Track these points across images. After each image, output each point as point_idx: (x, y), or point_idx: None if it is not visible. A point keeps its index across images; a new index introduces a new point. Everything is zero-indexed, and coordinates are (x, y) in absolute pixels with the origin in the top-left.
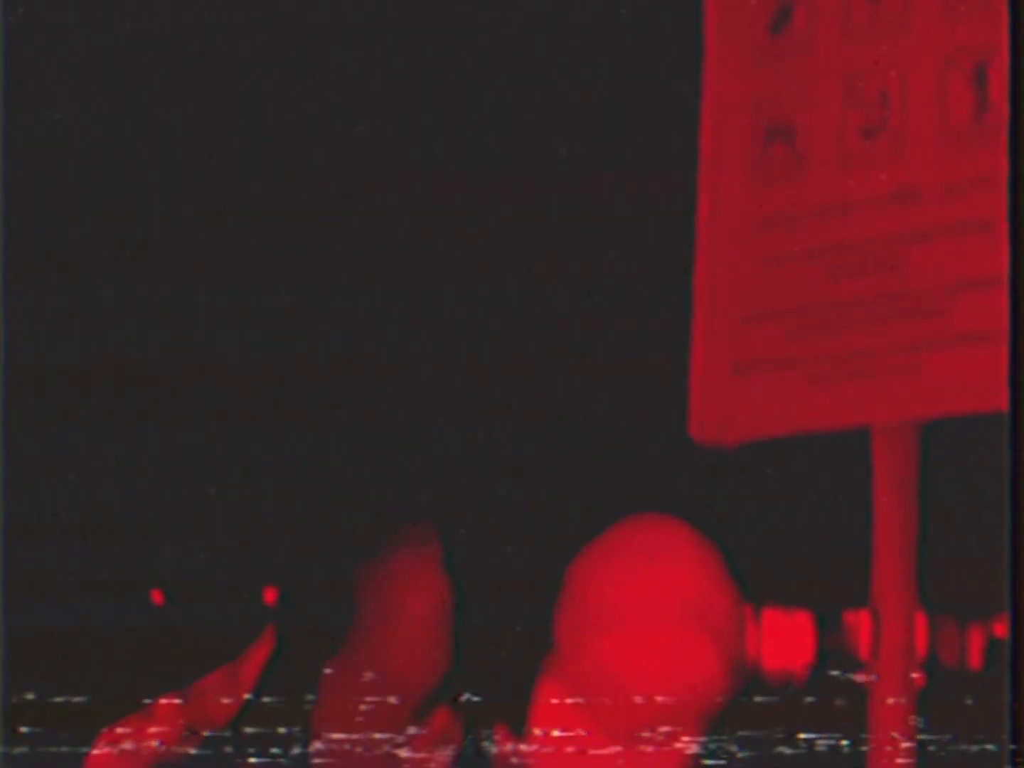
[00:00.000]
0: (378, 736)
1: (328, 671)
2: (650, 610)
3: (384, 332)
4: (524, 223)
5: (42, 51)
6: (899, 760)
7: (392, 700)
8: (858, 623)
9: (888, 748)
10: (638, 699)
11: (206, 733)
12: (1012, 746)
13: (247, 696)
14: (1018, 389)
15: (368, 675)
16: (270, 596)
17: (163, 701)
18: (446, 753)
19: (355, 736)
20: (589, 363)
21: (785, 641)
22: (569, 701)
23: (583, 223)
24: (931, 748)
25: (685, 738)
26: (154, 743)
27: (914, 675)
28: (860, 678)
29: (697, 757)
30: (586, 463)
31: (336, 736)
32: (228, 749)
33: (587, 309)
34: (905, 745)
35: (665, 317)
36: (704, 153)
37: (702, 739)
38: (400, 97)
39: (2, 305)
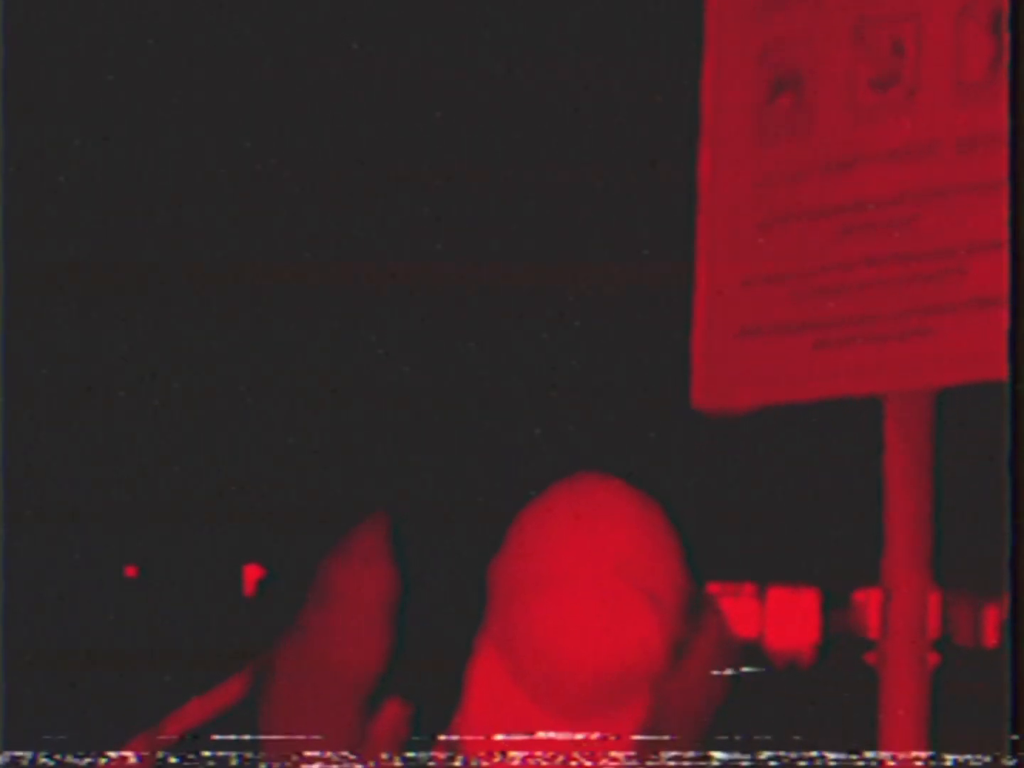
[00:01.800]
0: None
1: (277, 658)
2: (582, 570)
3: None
4: (518, 191)
5: (42, 51)
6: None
7: (340, 689)
8: (868, 602)
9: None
10: (569, 664)
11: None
12: (1012, 736)
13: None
14: (1018, 358)
15: (310, 662)
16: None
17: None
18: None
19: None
20: (587, 330)
21: (790, 621)
22: (502, 670)
23: (581, 181)
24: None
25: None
26: None
27: (927, 655)
28: (870, 659)
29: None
30: (585, 433)
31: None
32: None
33: (584, 271)
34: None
35: (665, 279)
36: (706, 105)
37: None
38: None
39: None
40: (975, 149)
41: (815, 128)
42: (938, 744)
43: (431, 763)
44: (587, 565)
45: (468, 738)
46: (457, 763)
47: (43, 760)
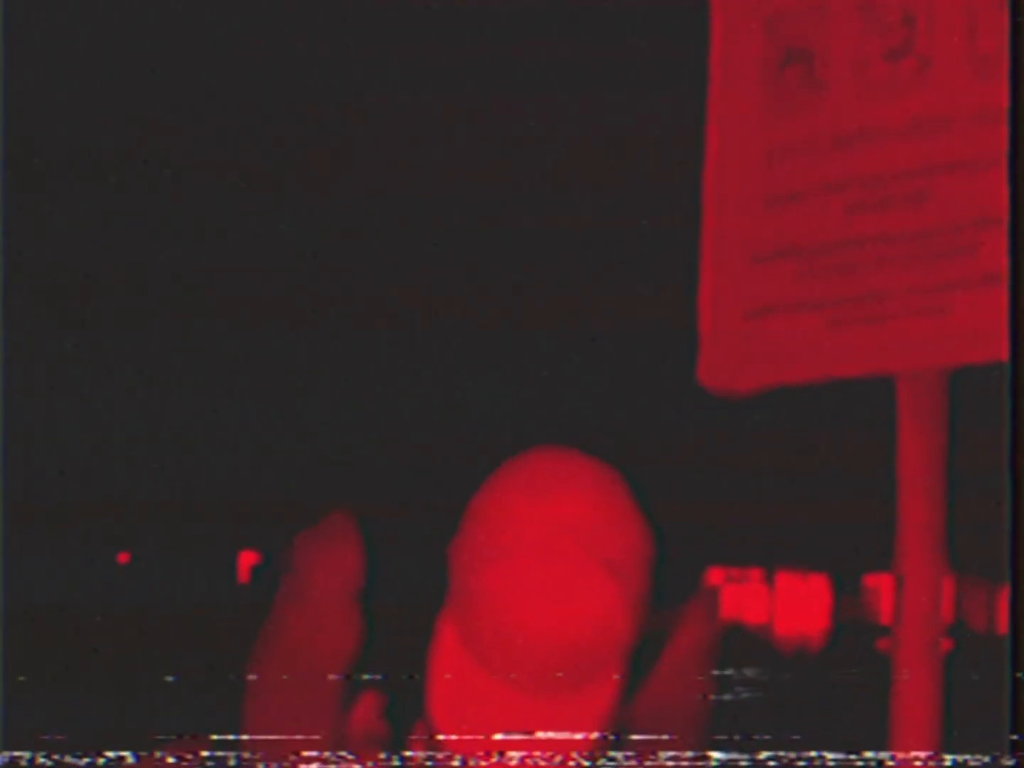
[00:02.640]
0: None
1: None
2: (536, 539)
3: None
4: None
5: (42, 51)
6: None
7: (313, 681)
8: (879, 587)
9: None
10: (527, 636)
11: None
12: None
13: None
14: (1019, 338)
15: (281, 654)
16: (123, 558)
17: None
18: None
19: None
20: (592, 307)
21: (799, 607)
22: (462, 649)
23: (584, 160)
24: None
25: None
26: None
27: (941, 641)
28: (882, 645)
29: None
30: (589, 415)
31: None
32: None
33: (588, 251)
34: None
35: (671, 256)
36: (713, 78)
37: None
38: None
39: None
40: (989, 123)
41: (825, 102)
42: (951, 732)
43: (429, 763)
44: (541, 533)
45: (439, 725)
46: (455, 763)
47: (42, 760)
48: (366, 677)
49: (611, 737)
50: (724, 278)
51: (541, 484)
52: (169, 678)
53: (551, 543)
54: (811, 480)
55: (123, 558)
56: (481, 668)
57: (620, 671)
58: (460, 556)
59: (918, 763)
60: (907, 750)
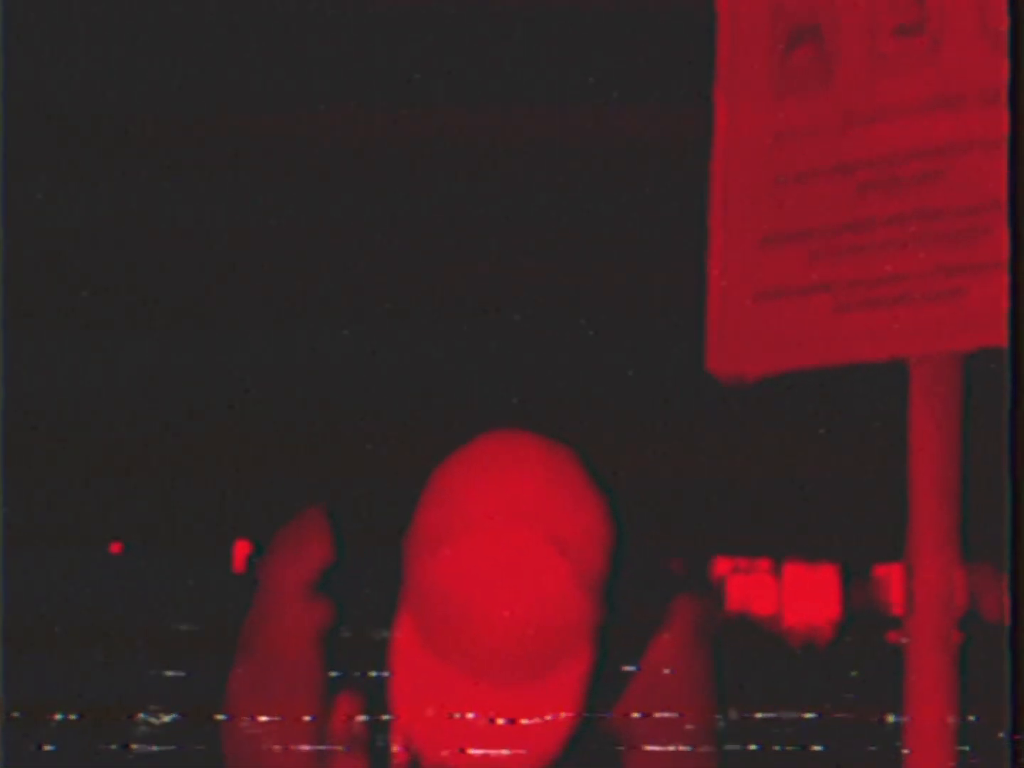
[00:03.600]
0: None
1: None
2: (484, 518)
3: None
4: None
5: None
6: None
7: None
8: (890, 577)
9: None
10: (478, 619)
11: None
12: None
13: None
14: (1018, 323)
15: (254, 648)
16: (115, 548)
17: None
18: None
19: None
20: (596, 291)
21: (808, 597)
22: (420, 641)
23: (592, 145)
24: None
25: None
26: None
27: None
28: (893, 637)
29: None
30: (591, 401)
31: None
32: None
33: (593, 233)
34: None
35: (679, 239)
36: (720, 56)
37: None
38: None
39: None
40: (1003, 101)
41: (835, 79)
42: (965, 724)
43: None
44: (490, 513)
45: (401, 718)
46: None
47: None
48: (333, 674)
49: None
50: (732, 261)
51: (490, 464)
52: (169, 673)
53: (499, 521)
54: (820, 467)
55: (115, 548)
56: (438, 657)
57: (586, 655)
58: (412, 544)
59: None
60: (920, 743)
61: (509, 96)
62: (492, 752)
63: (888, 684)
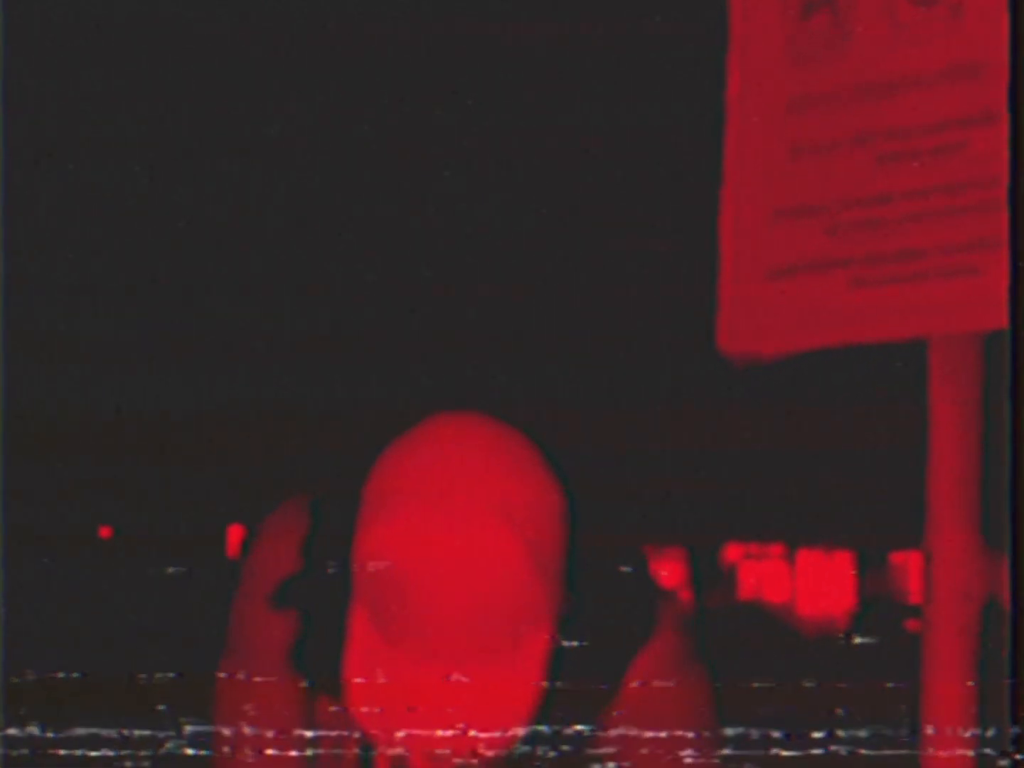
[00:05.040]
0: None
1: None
2: (424, 485)
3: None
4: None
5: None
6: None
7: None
8: (907, 564)
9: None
10: (420, 586)
11: None
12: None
13: None
14: (1019, 306)
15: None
16: (105, 532)
17: None
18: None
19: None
20: (606, 271)
21: (823, 585)
22: (370, 622)
23: (603, 119)
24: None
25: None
26: None
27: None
28: (910, 625)
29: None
30: (602, 380)
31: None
32: None
33: (603, 210)
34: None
35: (690, 214)
36: (734, 24)
37: None
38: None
39: None
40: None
41: (852, 48)
42: (985, 714)
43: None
44: (432, 483)
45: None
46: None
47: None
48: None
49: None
50: (745, 236)
51: (436, 442)
52: (168, 674)
53: (444, 494)
54: (835, 450)
55: (104, 532)
56: (391, 644)
57: (544, 634)
58: (358, 526)
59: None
60: (939, 734)
61: (515, 71)
62: (450, 737)
63: (905, 675)
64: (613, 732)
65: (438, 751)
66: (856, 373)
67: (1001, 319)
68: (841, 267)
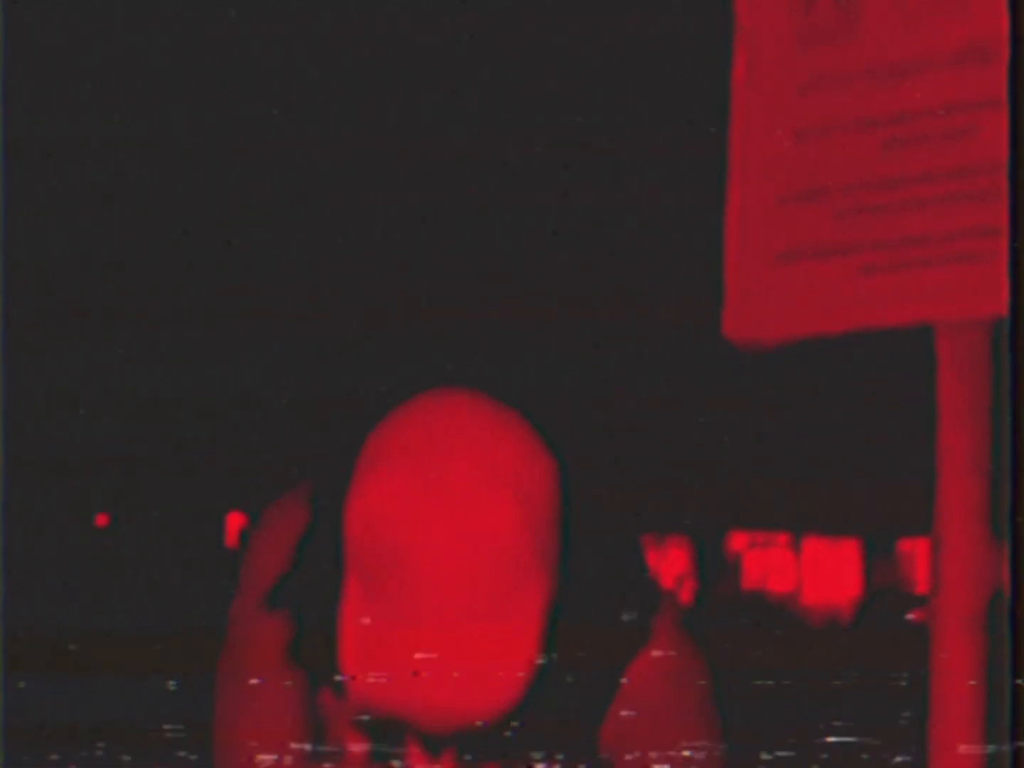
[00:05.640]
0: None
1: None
2: (414, 447)
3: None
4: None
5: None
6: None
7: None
8: (915, 553)
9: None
10: (415, 556)
11: None
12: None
13: None
14: (1019, 293)
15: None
16: (101, 520)
17: None
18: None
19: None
20: (610, 255)
21: (828, 574)
22: (362, 594)
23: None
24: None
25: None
26: None
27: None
28: (917, 616)
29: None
30: (608, 365)
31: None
32: None
33: (608, 195)
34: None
35: (695, 198)
36: (740, 9)
37: None
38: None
39: None
40: None
41: (860, 30)
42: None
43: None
44: (419, 445)
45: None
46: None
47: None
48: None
49: None
50: (750, 220)
51: (428, 412)
52: (169, 679)
53: (441, 466)
54: (841, 438)
55: (101, 520)
56: (384, 618)
57: (539, 597)
58: (351, 499)
59: None
60: (946, 731)
61: (521, 44)
62: (447, 703)
63: (911, 666)
64: (612, 732)
65: (434, 717)
66: (863, 359)
67: (1010, 305)
68: (848, 252)
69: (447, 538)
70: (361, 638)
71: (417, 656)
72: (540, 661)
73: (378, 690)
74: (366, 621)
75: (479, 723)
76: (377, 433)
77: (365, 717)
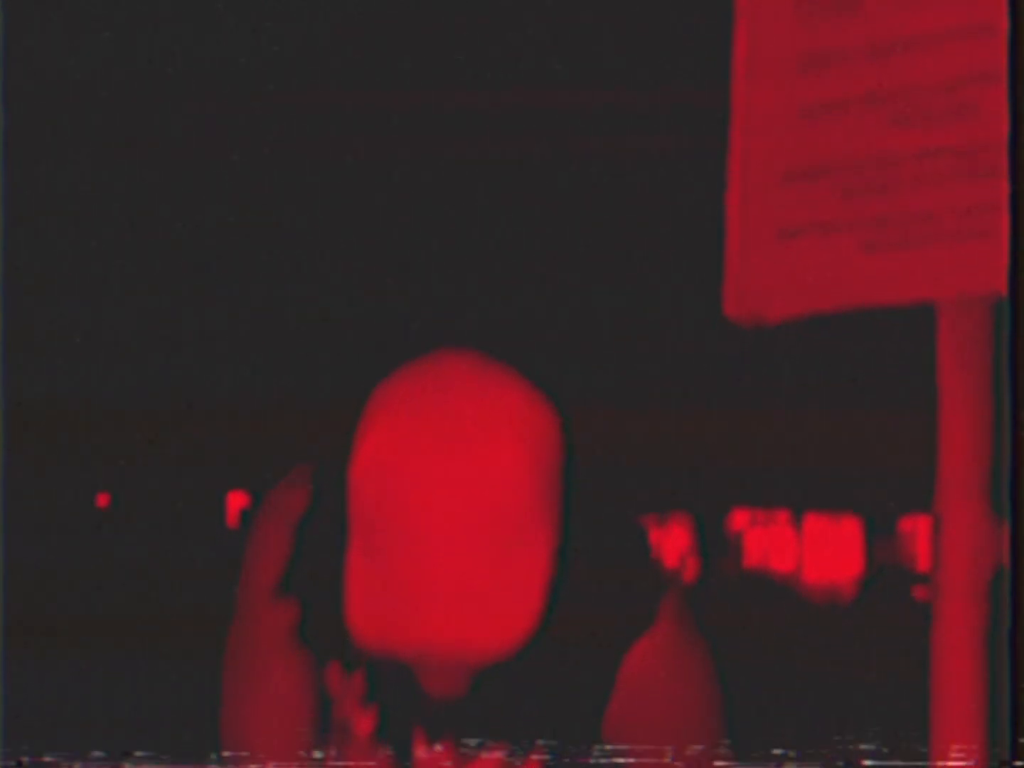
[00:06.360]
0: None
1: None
2: (424, 405)
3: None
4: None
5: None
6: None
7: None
8: (916, 530)
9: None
10: (416, 502)
11: None
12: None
13: None
14: (1018, 273)
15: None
16: (102, 500)
17: None
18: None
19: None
20: (612, 231)
21: (830, 551)
22: (365, 553)
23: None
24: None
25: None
26: None
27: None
28: (918, 593)
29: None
30: (609, 342)
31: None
32: None
33: (609, 166)
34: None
35: (697, 174)
36: None
37: None
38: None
39: None
40: None
41: (863, 7)
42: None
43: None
44: (421, 396)
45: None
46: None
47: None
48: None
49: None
50: (753, 198)
51: (434, 373)
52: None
53: (444, 413)
54: (843, 416)
55: (102, 500)
56: (393, 563)
57: (546, 544)
58: (356, 456)
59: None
60: (948, 710)
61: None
62: (456, 640)
63: (913, 645)
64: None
65: (443, 655)
66: (866, 336)
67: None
68: (852, 229)
69: (452, 482)
70: (367, 590)
71: (424, 599)
72: (547, 602)
73: (387, 630)
74: (371, 571)
75: (488, 662)
76: (380, 389)
77: (372, 661)
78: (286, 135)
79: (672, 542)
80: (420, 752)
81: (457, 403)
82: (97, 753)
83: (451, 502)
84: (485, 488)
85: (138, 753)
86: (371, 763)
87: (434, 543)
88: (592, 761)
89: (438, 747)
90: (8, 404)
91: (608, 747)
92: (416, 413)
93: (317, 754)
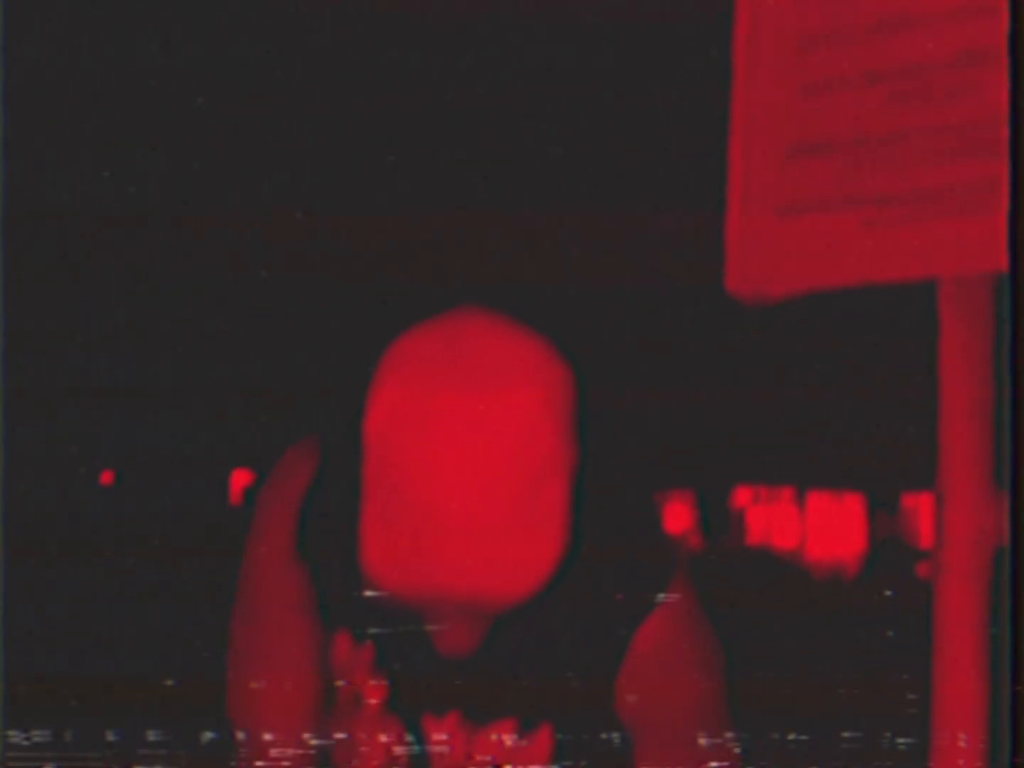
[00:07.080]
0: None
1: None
2: (439, 356)
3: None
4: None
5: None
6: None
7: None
8: (919, 507)
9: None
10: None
11: None
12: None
13: None
14: (1019, 249)
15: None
16: (106, 478)
17: None
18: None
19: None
20: (609, 208)
21: (833, 528)
22: (381, 512)
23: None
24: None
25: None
26: None
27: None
28: (922, 570)
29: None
30: (610, 318)
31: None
32: None
33: (609, 144)
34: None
35: (698, 151)
36: None
37: None
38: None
39: None
40: None
41: None
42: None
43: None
44: (438, 345)
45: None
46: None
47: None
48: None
49: None
50: (754, 175)
51: (447, 326)
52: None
53: (459, 362)
54: (846, 392)
55: (106, 478)
56: (409, 513)
57: (562, 491)
58: (371, 409)
59: None
60: (950, 687)
61: None
62: (473, 585)
63: (916, 621)
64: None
65: (459, 605)
66: (868, 312)
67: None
68: (853, 206)
69: (469, 426)
70: (384, 535)
71: (441, 541)
72: (566, 549)
73: (404, 574)
74: (388, 516)
75: (504, 608)
76: (394, 345)
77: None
78: (286, 135)
79: (674, 519)
80: (428, 723)
81: (472, 354)
82: (111, 737)
83: (468, 446)
84: (502, 432)
85: (151, 736)
86: (380, 734)
87: (451, 486)
88: (602, 737)
89: (447, 719)
90: (10, 383)
91: (615, 734)
92: (432, 363)
93: (325, 725)
